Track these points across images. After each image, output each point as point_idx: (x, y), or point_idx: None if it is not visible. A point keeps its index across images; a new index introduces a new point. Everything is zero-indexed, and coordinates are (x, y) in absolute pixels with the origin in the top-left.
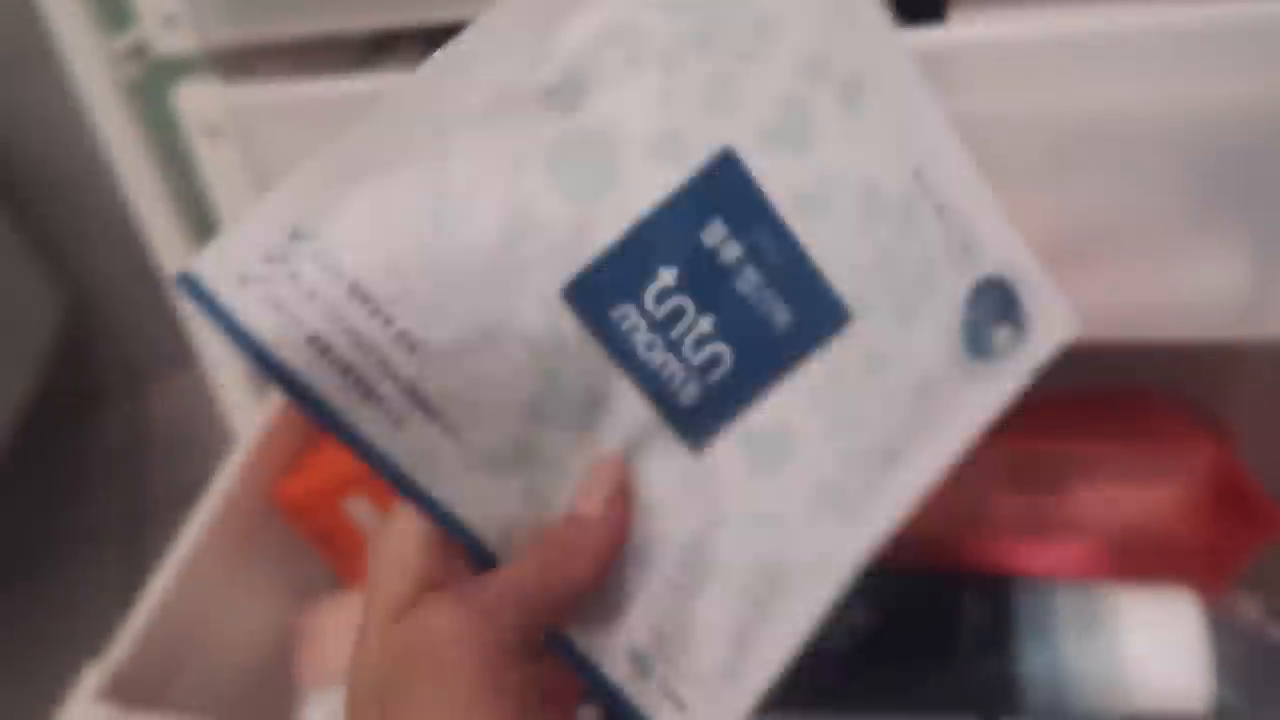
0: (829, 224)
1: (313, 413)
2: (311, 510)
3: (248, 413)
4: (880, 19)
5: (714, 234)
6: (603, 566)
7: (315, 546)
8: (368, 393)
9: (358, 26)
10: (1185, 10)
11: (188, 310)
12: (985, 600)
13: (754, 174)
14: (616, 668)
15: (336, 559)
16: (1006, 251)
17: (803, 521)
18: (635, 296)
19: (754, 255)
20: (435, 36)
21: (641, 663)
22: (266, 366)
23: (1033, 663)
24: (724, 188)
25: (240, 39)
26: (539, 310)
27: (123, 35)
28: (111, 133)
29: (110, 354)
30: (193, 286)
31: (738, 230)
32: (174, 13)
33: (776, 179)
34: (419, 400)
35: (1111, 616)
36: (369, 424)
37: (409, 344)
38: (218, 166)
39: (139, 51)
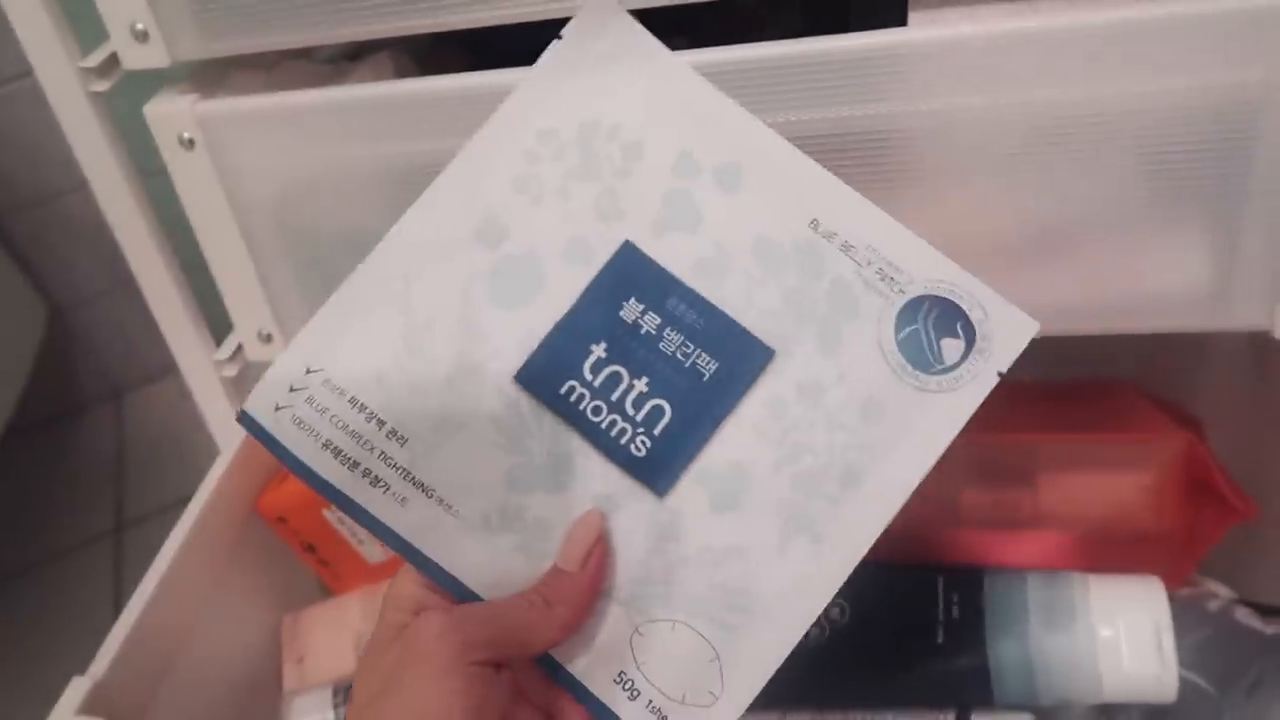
0: (733, 280)
1: (333, 498)
2: (295, 519)
3: (228, 423)
4: (743, 117)
5: (631, 310)
6: (581, 611)
7: (300, 555)
8: (374, 480)
9: (326, 39)
10: (1139, 8)
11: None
12: (957, 592)
13: (654, 255)
14: (605, 691)
15: (321, 567)
16: (935, 271)
17: (774, 551)
18: (576, 372)
19: (672, 320)
20: (407, 44)
21: (628, 686)
22: (296, 468)
23: (1004, 653)
24: (631, 272)
25: (210, 53)
26: (498, 397)
27: (94, 50)
28: (84, 146)
29: (91, 365)
30: (248, 421)
31: (652, 303)
32: (144, 28)
33: (676, 255)
34: (416, 482)
35: (1081, 605)
36: (378, 505)
37: (400, 438)
38: (190, 178)
39: (110, 66)
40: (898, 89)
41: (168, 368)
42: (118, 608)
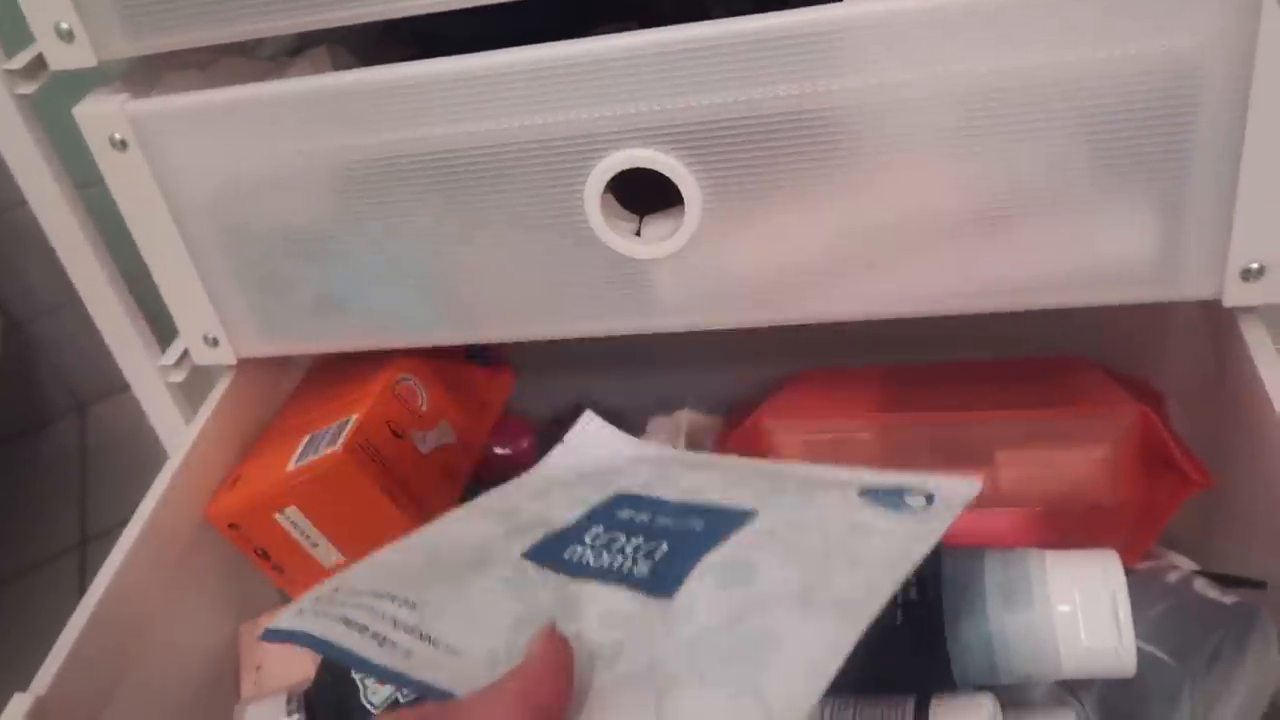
0: (714, 474)
1: (340, 657)
2: (246, 525)
3: (176, 430)
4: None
5: (625, 512)
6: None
7: (254, 561)
8: (382, 640)
9: (253, 33)
10: None
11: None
12: (915, 573)
13: (643, 492)
14: None
15: (276, 573)
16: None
17: (796, 618)
18: (580, 540)
19: (660, 509)
20: (348, 39)
21: None
22: (311, 644)
23: (964, 633)
24: (625, 502)
25: (138, 50)
26: (510, 568)
27: (19, 52)
28: (13, 151)
29: (53, 377)
30: (272, 633)
31: (640, 509)
32: (69, 27)
33: (664, 489)
34: (423, 636)
35: (1038, 581)
36: (385, 659)
37: (410, 604)
38: (124, 181)
39: (37, 67)
40: (835, 65)
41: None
42: None
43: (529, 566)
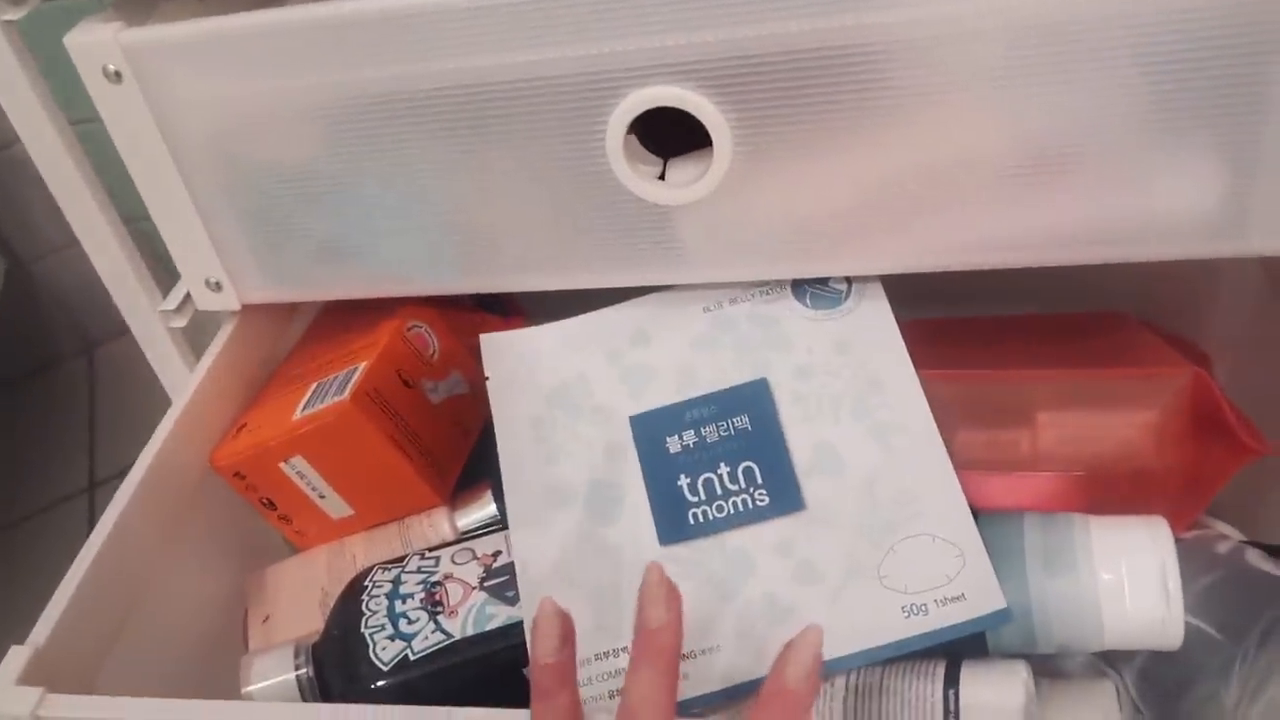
0: (666, 354)
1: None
2: (251, 473)
3: (181, 375)
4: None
5: (673, 444)
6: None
7: (260, 511)
8: None
9: None
10: None
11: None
12: None
13: (651, 406)
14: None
15: (283, 523)
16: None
17: (887, 457)
18: (683, 502)
19: (698, 423)
20: None
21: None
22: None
23: None
24: (652, 425)
25: None
26: (671, 564)
27: None
28: (3, 82)
29: (61, 319)
30: None
31: (676, 425)
32: None
33: (656, 394)
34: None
35: (1081, 547)
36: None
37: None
38: (119, 114)
39: None
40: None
41: None
42: None
43: (677, 551)
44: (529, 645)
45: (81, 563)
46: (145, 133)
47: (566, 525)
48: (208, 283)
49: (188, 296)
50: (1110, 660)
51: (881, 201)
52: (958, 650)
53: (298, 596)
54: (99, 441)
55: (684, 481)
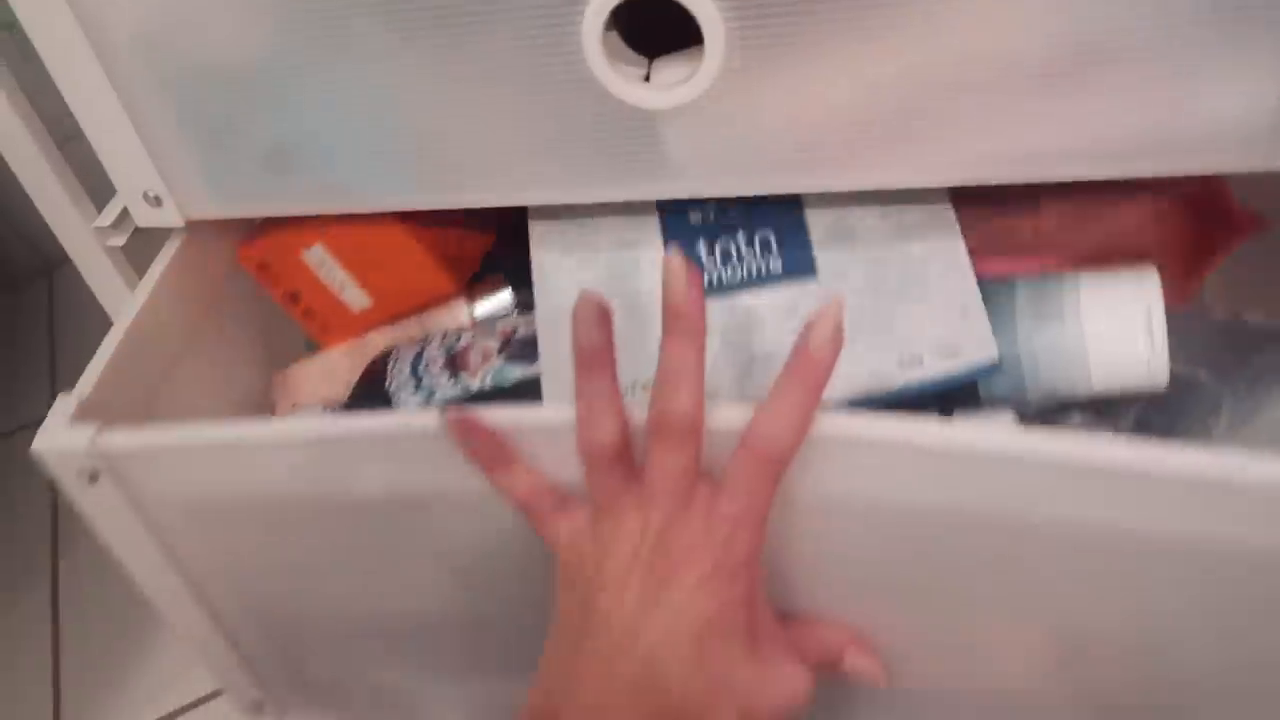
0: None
1: None
2: (276, 264)
3: (120, 297)
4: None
5: (694, 217)
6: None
7: (284, 305)
8: None
9: None
10: None
11: None
12: None
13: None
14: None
15: (306, 318)
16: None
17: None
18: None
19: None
20: None
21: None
22: None
23: None
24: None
25: None
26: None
27: None
28: None
29: (15, 238)
30: None
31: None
32: None
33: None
34: None
35: (1070, 297)
36: None
37: None
38: (32, 6)
39: None
40: None
41: None
42: (55, 508)
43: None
44: (572, 334)
45: (120, 324)
46: (66, 30)
47: (587, 277)
48: (146, 196)
49: (124, 212)
50: (1104, 411)
51: (894, 108)
52: (950, 400)
53: (320, 392)
54: (60, 365)
55: (702, 246)
